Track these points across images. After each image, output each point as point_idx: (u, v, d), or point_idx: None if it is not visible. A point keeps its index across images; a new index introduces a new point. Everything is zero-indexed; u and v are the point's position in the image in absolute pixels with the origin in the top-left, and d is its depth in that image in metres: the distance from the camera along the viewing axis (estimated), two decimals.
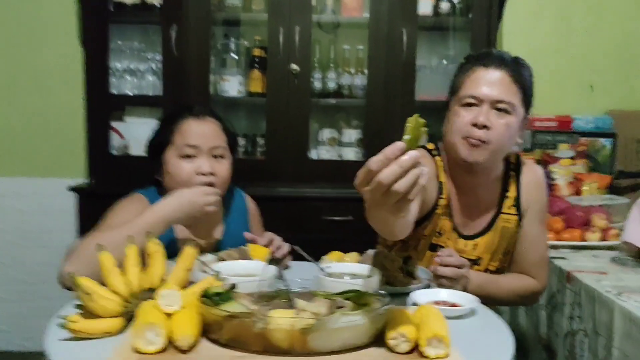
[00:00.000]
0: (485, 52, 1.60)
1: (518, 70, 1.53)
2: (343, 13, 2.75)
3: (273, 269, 1.26)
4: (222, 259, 1.44)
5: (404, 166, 0.91)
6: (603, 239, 2.19)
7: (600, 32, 2.99)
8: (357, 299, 1.11)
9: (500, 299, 1.65)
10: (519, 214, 1.66)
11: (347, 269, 1.41)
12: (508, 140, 1.54)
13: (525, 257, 1.67)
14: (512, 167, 1.68)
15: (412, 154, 0.92)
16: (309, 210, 2.61)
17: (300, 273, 1.55)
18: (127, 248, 1.20)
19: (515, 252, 1.69)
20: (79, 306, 1.18)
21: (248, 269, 1.37)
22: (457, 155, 1.55)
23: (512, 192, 1.66)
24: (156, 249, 1.21)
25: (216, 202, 1.55)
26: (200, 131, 1.64)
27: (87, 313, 1.13)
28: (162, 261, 1.20)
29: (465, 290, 1.47)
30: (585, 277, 1.82)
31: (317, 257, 2.39)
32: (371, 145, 2.70)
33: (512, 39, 2.96)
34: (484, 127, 1.50)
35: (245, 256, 1.49)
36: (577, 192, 2.66)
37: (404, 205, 0.95)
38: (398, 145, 0.92)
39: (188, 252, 1.21)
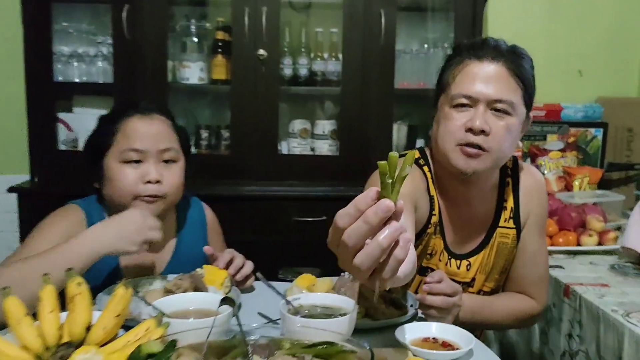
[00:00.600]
0: (477, 41, 1.33)
1: (517, 62, 1.28)
2: None
3: (228, 309, 1.02)
4: (169, 291, 1.20)
5: (371, 222, 0.69)
6: (600, 243, 2.01)
7: (590, 16, 2.84)
8: (330, 356, 0.88)
9: (496, 324, 1.44)
10: (517, 227, 1.44)
11: (319, 301, 1.18)
12: (510, 145, 1.30)
13: (523, 275, 1.46)
14: (509, 173, 1.45)
15: (386, 205, 0.69)
16: (278, 210, 2.37)
17: (265, 299, 1.34)
18: (42, 290, 0.96)
19: (512, 268, 1.47)
20: None
21: (200, 304, 1.14)
22: (451, 165, 1.30)
23: (509, 203, 1.44)
24: (79, 290, 0.96)
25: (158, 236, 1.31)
26: (146, 132, 1.40)
27: None
28: (87, 306, 0.96)
29: (456, 318, 1.26)
30: (585, 292, 1.63)
31: (287, 262, 2.17)
32: (346, 137, 2.47)
33: (497, 21, 2.77)
34: (482, 132, 1.25)
35: (198, 284, 1.25)
36: (568, 187, 2.49)
37: (379, 277, 0.72)
38: (371, 193, 0.70)
39: (119, 295, 0.97)
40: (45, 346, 0.93)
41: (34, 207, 2.28)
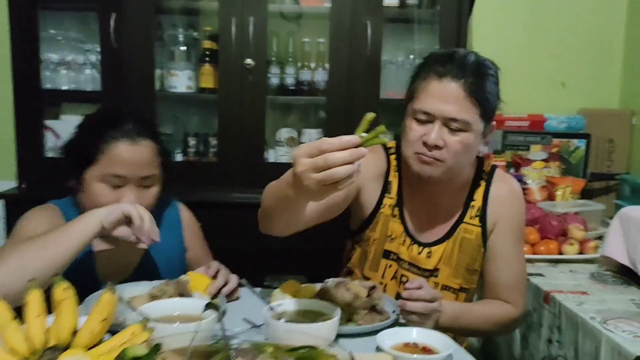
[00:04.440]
0: (445, 56, 1.37)
1: (477, 83, 1.33)
2: (302, 2, 2.53)
3: (212, 314, 1.04)
4: (155, 297, 1.22)
5: (354, 157, 0.99)
6: (581, 252, 2.05)
7: (572, 28, 2.90)
8: (313, 358, 0.91)
9: (476, 330, 1.48)
10: (483, 227, 1.49)
11: (303, 306, 1.21)
12: (465, 155, 1.39)
13: (497, 279, 1.49)
14: (484, 177, 1.51)
15: (363, 151, 1.00)
16: None
17: (251, 305, 1.36)
18: (28, 294, 0.97)
19: (486, 272, 1.51)
20: None
21: (184, 309, 1.16)
22: (411, 168, 1.41)
23: (477, 202, 1.50)
24: (65, 295, 0.98)
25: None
26: (131, 159, 1.41)
27: None
28: (73, 311, 0.98)
29: (437, 323, 1.29)
30: (565, 299, 1.67)
31: (273, 269, 2.19)
32: None
33: (481, 33, 2.83)
34: (436, 146, 1.34)
35: (183, 291, 1.27)
36: (551, 197, 2.53)
37: (329, 191, 1.02)
38: (355, 138, 1.00)
39: (105, 300, 0.98)
40: (31, 350, 0.94)
41: (21, 213, 2.27)
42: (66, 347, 0.95)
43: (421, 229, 1.51)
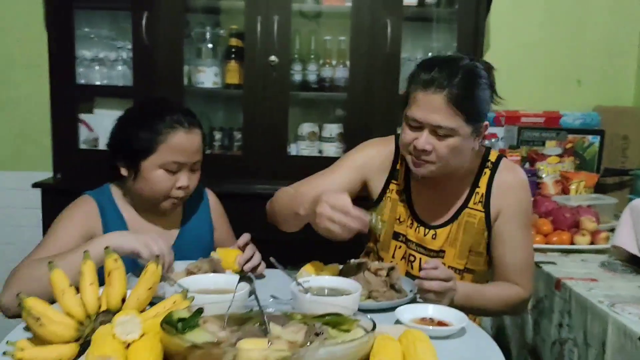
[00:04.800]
0: (432, 65, 1.45)
1: (462, 92, 1.40)
2: (324, 2, 2.63)
3: (246, 286, 1.14)
4: (191, 273, 1.33)
5: (358, 230, 1.31)
6: (592, 242, 2.12)
7: (588, 27, 2.95)
8: (338, 323, 1.00)
9: (488, 309, 1.56)
10: (487, 212, 1.58)
11: (327, 283, 1.30)
12: (456, 156, 1.48)
13: (506, 262, 1.58)
14: (489, 166, 1.60)
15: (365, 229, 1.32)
16: None
17: (276, 285, 1.45)
18: (83, 264, 1.09)
19: (495, 256, 1.60)
20: (28, 329, 1.06)
21: (219, 284, 1.26)
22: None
23: (482, 189, 1.59)
24: (115, 266, 1.09)
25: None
26: (189, 147, 1.54)
27: (38, 338, 1.02)
28: (122, 280, 1.09)
29: (451, 302, 1.38)
30: (575, 285, 1.75)
31: (295, 258, 2.29)
32: (352, 140, 2.57)
33: (498, 32, 2.89)
34: (424, 151, 1.46)
35: (216, 268, 1.37)
36: (565, 191, 2.59)
37: (325, 233, 1.33)
38: (367, 219, 1.32)
39: (151, 270, 1.09)
40: (86, 314, 1.05)
41: (56, 202, 2.39)
42: (117, 312, 1.05)
43: (428, 212, 1.61)
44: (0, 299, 1.35)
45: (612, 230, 2.25)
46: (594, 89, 2.98)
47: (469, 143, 1.48)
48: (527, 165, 2.69)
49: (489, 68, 1.52)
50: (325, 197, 1.29)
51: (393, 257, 1.63)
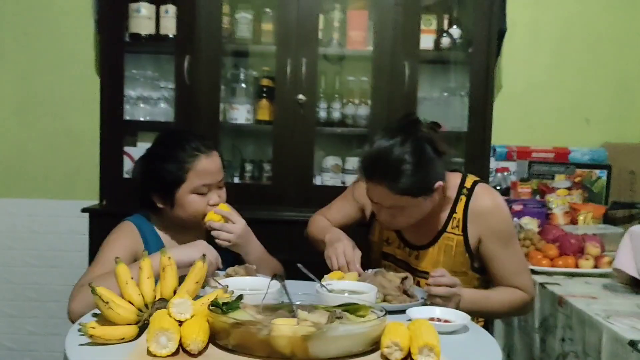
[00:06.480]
0: (367, 161, 1.66)
1: (401, 183, 1.57)
2: (348, 46, 2.87)
3: (277, 284, 1.34)
4: (229, 275, 1.53)
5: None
6: (596, 267, 2.27)
7: (596, 67, 3.11)
8: (355, 311, 1.20)
9: (494, 312, 1.76)
10: (465, 236, 1.74)
11: (347, 287, 1.49)
12: (419, 214, 1.68)
13: (501, 275, 1.74)
14: (464, 192, 1.76)
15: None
16: None
17: (303, 290, 1.64)
18: (141, 262, 1.30)
19: (490, 272, 1.77)
20: (96, 315, 1.27)
21: (253, 285, 1.46)
22: None
23: (459, 215, 1.75)
24: (168, 262, 1.30)
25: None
26: (212, 169, 1.73)
27: (104, 321, 1.22)
28: (174, 274, 1.30)
29: (458, 307, 1.55)
30: (576, 302, 1.90)
31: (319, 277, 2.48)
32: None
33: (510, 73, 3.08)
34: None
35: (250, 273, 1.58)
36: (573, 222, 2.75)
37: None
38: (358, 271, 1.64)
39: (199, 266, 1.30)
40: (144, 302, 1.26)
41: (102, 225, 2.63)
42: (169, 301, 1.26)
43: (412, 234, 1.80)
44: (69, 308, 1.51)
45: None
46: (601, 127, 3.12)
47: (427, 203, 1.66)
48: (537, 197, 2.86)
49: (433, 128, 1.67)
50: (339, 245, 1.69)
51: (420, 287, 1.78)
